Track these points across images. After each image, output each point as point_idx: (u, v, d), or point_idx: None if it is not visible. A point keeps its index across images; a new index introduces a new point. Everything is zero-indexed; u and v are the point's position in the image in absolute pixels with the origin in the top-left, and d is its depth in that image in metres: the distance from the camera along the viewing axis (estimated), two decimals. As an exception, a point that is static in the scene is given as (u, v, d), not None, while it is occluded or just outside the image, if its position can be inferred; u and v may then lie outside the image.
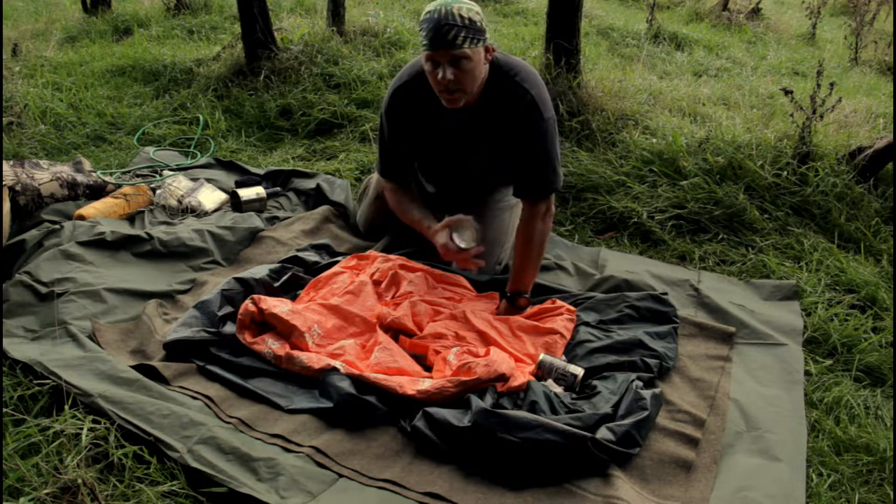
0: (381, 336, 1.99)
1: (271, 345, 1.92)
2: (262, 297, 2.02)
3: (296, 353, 1.89)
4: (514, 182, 2.20)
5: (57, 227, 2.43)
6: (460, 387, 1.74)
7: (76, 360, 1.81)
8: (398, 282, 2.22)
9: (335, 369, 1.81)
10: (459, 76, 1.92)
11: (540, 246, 2.16)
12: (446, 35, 1.86)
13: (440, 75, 1.92)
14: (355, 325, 2.03)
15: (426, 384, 1.77)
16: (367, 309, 2.09)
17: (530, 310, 2.15)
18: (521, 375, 1.82)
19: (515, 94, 2.04)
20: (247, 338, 1.95)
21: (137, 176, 3.05)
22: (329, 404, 1.74)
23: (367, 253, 2.40)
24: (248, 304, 1.99)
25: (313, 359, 1.86)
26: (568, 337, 2.04)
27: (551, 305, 2.15)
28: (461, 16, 1.87)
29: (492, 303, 2.19)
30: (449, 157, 2.23)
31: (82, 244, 2.33)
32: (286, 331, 1.95)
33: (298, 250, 2.42)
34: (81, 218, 2.56)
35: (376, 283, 2.22)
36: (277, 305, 2.00)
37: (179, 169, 3.14)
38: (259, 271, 2.22)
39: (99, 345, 1.94)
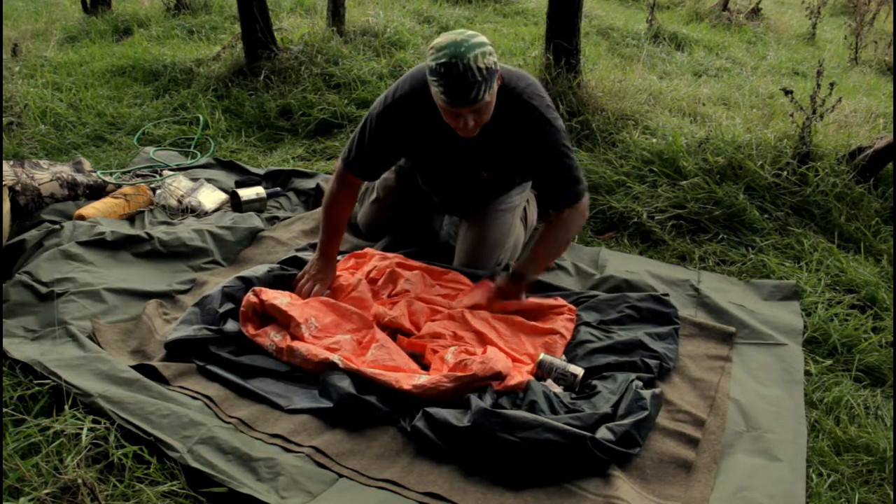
0: (379, 334, 1.99)
1: (273, 337, 1.93)
2: (263, 288, 2.05)
3: (296, 344, 1.89)
4: (541, 198, 2.20)
5: (57, 227, 2.43)
6: (456, 382, 1.74)
7: (76, 360, 1.81)
8: (395, 280, 2.22)
9: (335, 366, 1.81)
10: (480, 120, 1.91)
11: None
12: (468, 93, 1.80)
13: (461, 123, 1.89)
14: (352, 322, 2.03)
15: (422, 379, 1.77)
16: (362, 306, 2.09)
17: (530, 302, 2.14)
18: (518, 374, 1.82)
19: (525, 111, 2.02)
20: (250, 330, 1.96)
21: (137, 176, 3.05)
22: (329, 404, 1.74)
23: (364, 251, 2.39)
24: (249, 296, 2.01)
25: (312, 350, 1.86)
26: (568, 337, 2.03)
27: (553, 302, 2.14)
28: (479, 68, 1.79)
29: (486, 291, 2.15)
30: (455, 170, 2.22)
31: (82, 244, 2.33)
32: (284, 321, 1.97)
33: (298, 250, 2.42)
34: (81, 218, 2.56)
35: (372, 281, 2.21)
36: (278, 297, 2.02)
37: (179, 169, 3.14)
38: (259, 271, 2.22)
39: (99, 345, 1.94)
